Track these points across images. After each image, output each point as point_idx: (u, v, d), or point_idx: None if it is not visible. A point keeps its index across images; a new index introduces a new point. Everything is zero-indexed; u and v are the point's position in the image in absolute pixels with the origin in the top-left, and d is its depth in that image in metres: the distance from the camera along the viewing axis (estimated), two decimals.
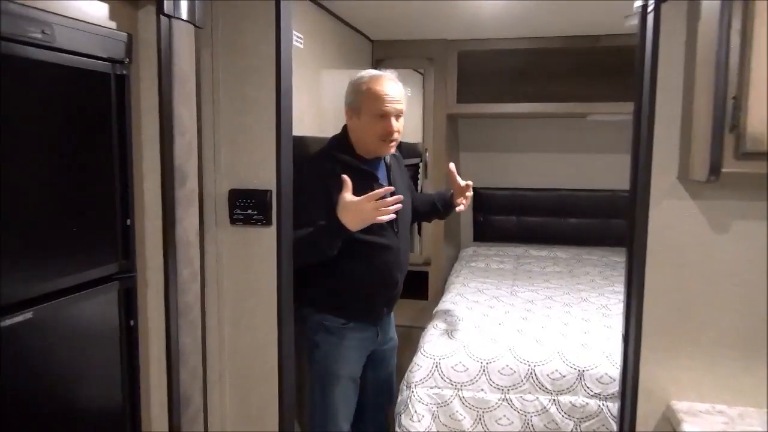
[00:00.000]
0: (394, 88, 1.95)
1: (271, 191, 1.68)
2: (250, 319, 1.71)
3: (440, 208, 2.27)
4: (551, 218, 4.12)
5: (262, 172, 1.68)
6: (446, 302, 2.79)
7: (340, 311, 2.02)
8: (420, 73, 4.12)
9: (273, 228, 1.69)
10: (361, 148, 2.00)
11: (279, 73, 1.63)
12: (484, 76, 3.38)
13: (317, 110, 2.50)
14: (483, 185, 4.14)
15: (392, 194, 1.85)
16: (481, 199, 4.16)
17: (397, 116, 1.96)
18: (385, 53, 3.37)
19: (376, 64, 3.39)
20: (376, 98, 1.91)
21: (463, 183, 2.14)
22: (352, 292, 2.01)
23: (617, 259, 3.79)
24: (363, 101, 1.93)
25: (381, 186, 1.92)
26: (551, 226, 4.13)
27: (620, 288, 3.05)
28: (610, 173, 3.93)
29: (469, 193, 2.17)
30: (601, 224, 4.06)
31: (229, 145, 1.69)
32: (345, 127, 2.05)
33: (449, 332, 2.32)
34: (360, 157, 1.99)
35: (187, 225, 1.46)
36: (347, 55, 2.94)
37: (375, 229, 1.89)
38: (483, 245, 4.12)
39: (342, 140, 2.03)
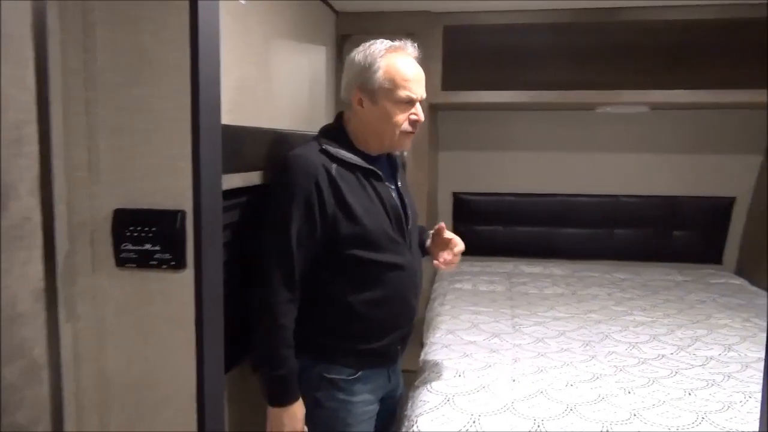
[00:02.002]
0: (419, 67, 1.54)
1: (184, 212, 1.02)
2: (156, 421, 1.04)
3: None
4: (543, 228, 3.56)
5: (169, 182, 1.02)
6: (436, 345, 2.16)
7: (348, 358, 1.56)
8: None
9: (188, 273, 1.02)
10: (366, 141, 1.56)
11: (196, 13, 0.96)
12: (475, 58, 2.77)
13: (267, 93, 1.84)
14: (465, 190, 3.54)
15: (402, 201, 1.60)
16: (464, 206, 3.56)
17: (421, 102, 1.56)
18: (352, 27, 2.72)
19: (342, 40, 2.74)
20: (402, 78, 1.49)
21: (448, 236, 1.70)
22: (361, 331, 1.56)
23: (622, 276, 3.27)
24: (383, 81, 1.49)
25: (386, 188, 1.56)
26: (543, 237, 3.57)
27: (642, 318, 2.51)
28: (613, 176, 3.40)
29: (458, 249, 1.71)
30: (601, 235, 3.52)
31: (112, 135, 1.01)
32: (339, 117, 1.62)
33: (450, 398, 1.69)
34: (361, 154, 1.55)
35: (14, 282, 0.78)
36: (301, 28, 2.26)
37: (385, 243, 1.52)
38: (466, 260, 3.44)
39: (336, 132, 1.57)
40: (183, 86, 0.99)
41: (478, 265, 3.44)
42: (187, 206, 1.01)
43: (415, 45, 1.56)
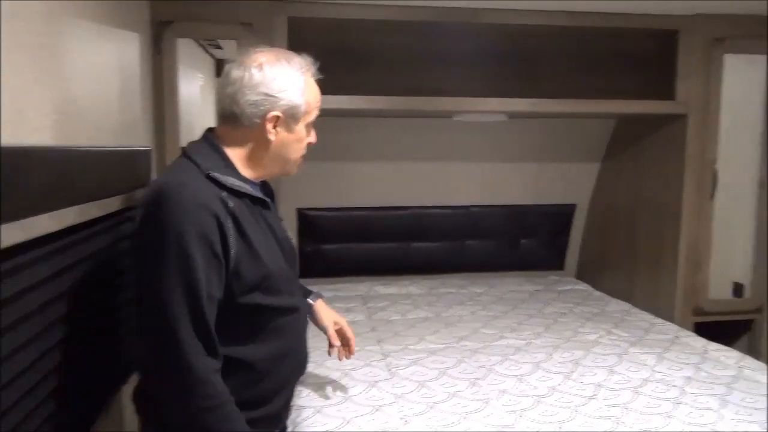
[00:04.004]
0: None
1: None
2: None
3: None
4: (395, 243, 3.32)
5: None
6: (306, 410, 1.73)
7: None
8: (213, 53, 3.01)
9: None
10: (255, 167, 1.32)
11: None
12: (324, 57, 2.39)
13: (55, 96, 1.26)
14: (310, 205, 3.16)
15: (275, 236, 1.32)
16: (310, 223, 3.17)
17: None
18: (173, 12, 2.18)
19: (160, 27, 2.18)
20: (316, 100, 1.36)
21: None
22: (256, 395, 1.27)
23: (477, 289, 3.15)
24: (303, 104, 1.30)
25: (276, 219, 1.37)
26: (396, 253, 3.33)
27: (515, 341, 2.37)
28: (464, 186, 3.26)
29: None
30: (453, 247, 3.38)
31: None
32: (211, 134, 1.31)
33: None
34: (246, 180, 1.30)
35: None
36: (104, 9, 1.68)
37: (283, 284, 1.29)
38: (314, 283, 3.09)
39: (217, 154, 1.27)
40: None
41: (329, 288, 3.08)
42: None
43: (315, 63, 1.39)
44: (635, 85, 2.63)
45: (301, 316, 1.39)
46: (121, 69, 1.80)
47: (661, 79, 2.59)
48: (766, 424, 1.63)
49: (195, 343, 1.10)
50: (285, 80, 1.26)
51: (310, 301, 1.63)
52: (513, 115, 2.70)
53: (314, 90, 1.35)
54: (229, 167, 1.26)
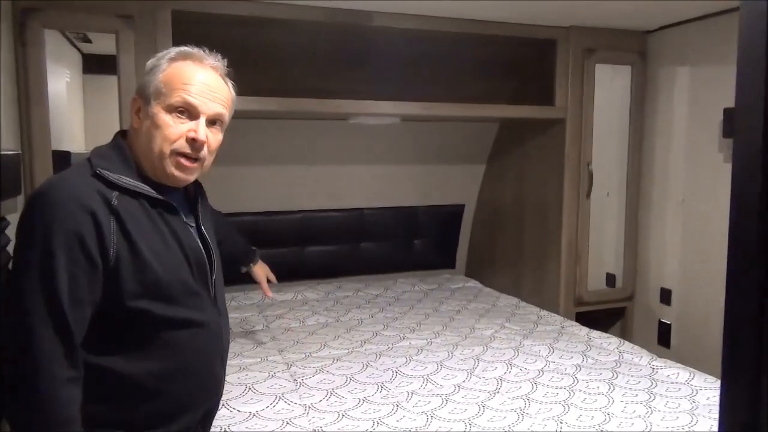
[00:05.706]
0: (216, 79, 1.21)
1: None
2: None
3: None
4: (288, 248, 3.23)
5: None
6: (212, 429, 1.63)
7: None
8: (81, 47, 2.74)
9: None
10: (148, 166, 1.19)
11: None
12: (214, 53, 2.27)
13: None
14: None
15: (204, 242, 1.23)
16: None
17: (212, 122, 1.20)
18: (40, 4, 1.95)
19: (23, 16, 1.94)
20: (182, 81, 1.16)
21: None
22: (147, 414, 1.15)
23: (374, 291, 3.17)
24: (159, 84, 1.16)
25: (184, 224, 1.21)
26: (289, 258, 3.24)
27: (416, 341, 2.40)
28: (358, 189, 3.25)
29: None
30: (347, 250, 3.36)
31: None
32: (120, 135, 1.23)
33: None
34: (149, 181, 1.18)
35: None
36: None
37: (182, 295, 1.17)
38: None
39: (115, 153, 1.19)
40: None
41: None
42: None
43: (224, 60, 1.23)
44: (518, 90, 2.77)
45: (208, 334, 1.25)
46: None
47: (541, 85, 2.75)
48: (649, 403, 1.78)
49: (50, 349, 1.02)
50: (148, 65, 1.20)
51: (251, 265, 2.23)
52: (405, 118, 2.73)
53: (181, 72, 1.17)
54: (129, 166, 1.17)
